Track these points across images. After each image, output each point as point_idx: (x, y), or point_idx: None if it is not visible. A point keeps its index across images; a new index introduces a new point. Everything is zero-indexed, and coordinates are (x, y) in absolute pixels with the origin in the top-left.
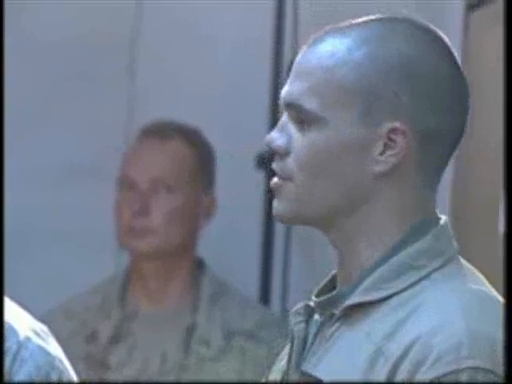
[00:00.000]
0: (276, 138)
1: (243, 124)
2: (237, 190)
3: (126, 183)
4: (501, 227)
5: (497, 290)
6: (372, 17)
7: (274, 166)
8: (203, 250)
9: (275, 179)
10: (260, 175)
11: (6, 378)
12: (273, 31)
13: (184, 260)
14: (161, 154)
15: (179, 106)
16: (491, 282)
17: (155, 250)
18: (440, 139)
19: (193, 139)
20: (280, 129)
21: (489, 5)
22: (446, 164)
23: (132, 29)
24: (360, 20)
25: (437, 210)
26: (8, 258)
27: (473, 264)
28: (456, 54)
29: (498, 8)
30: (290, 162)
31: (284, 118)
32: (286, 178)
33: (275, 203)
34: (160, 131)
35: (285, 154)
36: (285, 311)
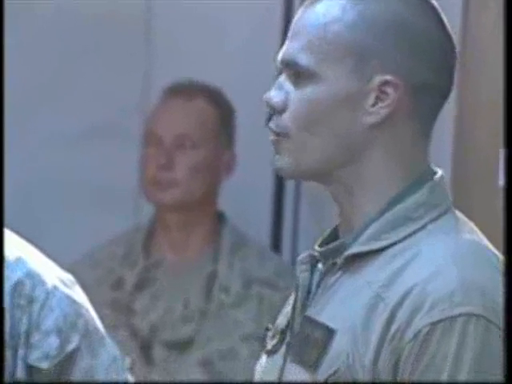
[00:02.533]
0: (274, 95)
1: (254, 82)
2: (250, 146)
3: (151, 139)
4: (500, 181)
5: (495, 243)
6: None
7: (271, 123)
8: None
9: (272, 136)
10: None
11: (33, 327)
12: (282, 11)
13: (205, 212)
14: (186, 112)
15: (193, 68)
16: (490, 236)
17: (179, 202)
18: (430, 91)
19: (216, 98)
20: (277, 87)
21: None
22: (437, 112)
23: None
24: None
25: (437, 165)
26: (36, 213)
27: (473, 218)
28: (443, 14)
29: None
30: (286, 117)
31: (281, 77)
32: (281, 133)
33: (275, 159)
34: (185, 90)
35: (282, 110)
36: (295, 259)
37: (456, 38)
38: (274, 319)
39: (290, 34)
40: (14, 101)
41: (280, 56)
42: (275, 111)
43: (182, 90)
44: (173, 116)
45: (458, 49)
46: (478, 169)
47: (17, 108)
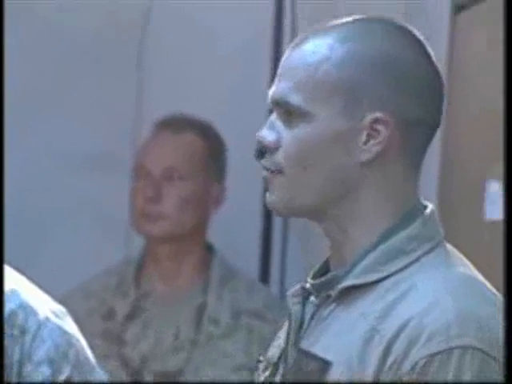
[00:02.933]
0: (266, 134)
1: (244, 116)
2: (239, 178)
3: (141, 173)
4: (486, 213)
5: (481, 272)
6: (350, 18)
7: (264, 161)
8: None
9: (266, 172)
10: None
11: (26, 357)
12: (272, 24)
13: (195, 244)
14: (174, 145)
15: (185, 98)
16: (476, 267)
17: (168, 234)
18: (420, 126)
19: (205, 132)
20: (269, 126)
21: (474, 6)
22: (427, 145)
23: (141, 24)
24: (340, 21)
25: (422, 196)
26: (25, 242)
27: (458, 249)
28: (429, 48)
29: (483, 9)
30: (279, 156)
31: (273, 116)
32: (276, 171)
33: (267, 195)
34: (174, 124)
35: (275, 148)
36: (283, 292)
37: (442, 61)
38: (263, 350)
39: (278, 74)
40: (12, 103)
41: (270, 95)
42: (268, 150)
43: (172, 124)
44: (161, 149)
45: (444, 70)
46: (464, 201)
47: (13, 112)
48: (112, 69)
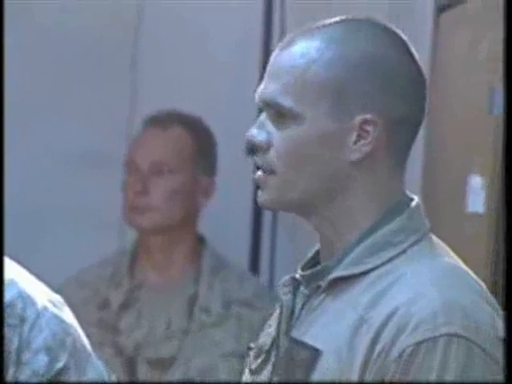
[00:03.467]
0: (256, 134)
1: (236, 114)
2: (230, 173)
3: (131, 167)
4: (469, 206)
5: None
6: (336, 19)
7: (257, 159)
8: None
9: (259, 172)
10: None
11: (24, 346)
12: (262, 24)
13: (186, 235)
14: (162, 140)
15: (177, 97)
16: (458, 257)
17: (157, 226)
18: (406, 125)
19: (194, 127)
20: (259, 126)
21: (457, 7)
22: (412, 143)
23: (135, 24)
24: (326, 22)
25: (407, 190)
26: (21, 236)
27: (442, 240)
28: (412, 48)
29: (465, 9)
30: (271, 155)
31: (262, 116)
32: (268, 171)
33: (259, 193)
34: (163, 120)
35: (266, 148)
36: (272, 281)
37: (425, 60)
38: (253, 338)
39: (267, 75)
40: (12, 103)
41: (259, 96)
42: (259, 149)
43: (161, 120)
44: (150, 144)
45: (427, 71)
46: (447, 194)
47: (13, 112)
48: (107, 69)
